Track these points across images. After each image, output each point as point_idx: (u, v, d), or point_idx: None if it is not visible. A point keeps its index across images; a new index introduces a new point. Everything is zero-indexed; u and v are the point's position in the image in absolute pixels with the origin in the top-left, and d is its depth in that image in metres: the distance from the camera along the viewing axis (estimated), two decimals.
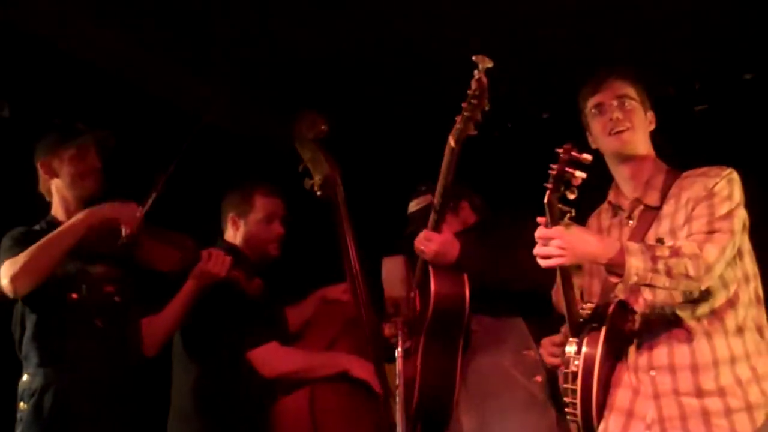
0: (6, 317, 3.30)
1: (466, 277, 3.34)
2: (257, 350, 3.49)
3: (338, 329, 3.67)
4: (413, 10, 4.09)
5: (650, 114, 2.88)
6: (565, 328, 2.80)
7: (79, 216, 3.21)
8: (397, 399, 2.84)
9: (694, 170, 2.78)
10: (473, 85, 2.91)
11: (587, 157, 2.52)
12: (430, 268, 3.34)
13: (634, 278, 2.53)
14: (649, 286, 2.58)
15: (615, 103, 2.81)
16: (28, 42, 3.99)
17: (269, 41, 4.33)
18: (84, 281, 3.24)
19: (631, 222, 2.81)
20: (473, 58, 2.88)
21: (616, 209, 2.89)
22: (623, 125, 2.78)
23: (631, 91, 2.84)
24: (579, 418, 2.71)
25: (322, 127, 3.52)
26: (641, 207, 2.79)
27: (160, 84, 4.55)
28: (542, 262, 2.56)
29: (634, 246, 2.56)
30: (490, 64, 2.87)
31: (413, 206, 3.71)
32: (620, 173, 2.86)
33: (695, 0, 3.97)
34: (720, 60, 4.43)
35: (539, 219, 2.56)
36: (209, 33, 4.26)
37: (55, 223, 3.31)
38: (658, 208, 2.76)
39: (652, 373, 2.66)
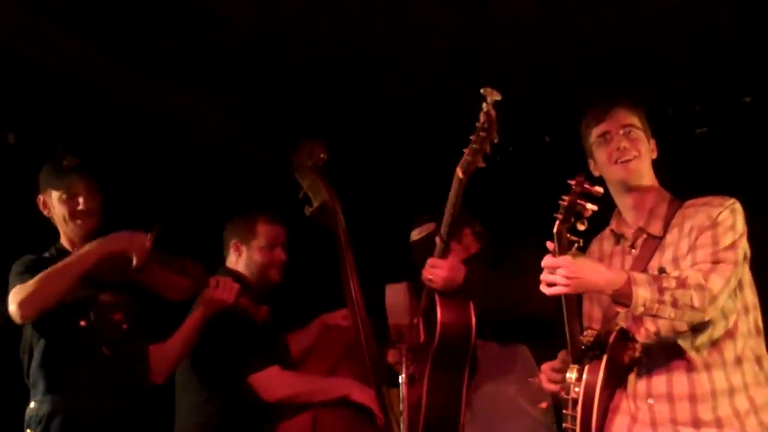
0: (14, 343, 3.31)
1: (472, 305, 3.34)
2: (259, 374, 3.50)
3: (339, 355, 3.69)
4: (412, 35, 4.11)
5: (652, 142, 2.88)
6: (562, 354, 2.81)
7: (90, 246, 3.21)
8: (401, 425, 2.85)
9: (697, 199, 2.79)
10: (482, 117, 2.90)
11: (599, 189, 2.53)
12: (436, 297, 3.33)
13: (641, 309, 2.53)
14: (655, 316, 2.58)
15: (621, 132, 2.81)
16: (31, 69, 4.02)
17: (275, 65, 4.35)
18: (92, 308, 3.25)
19: (633, 251, 2.81)
20: (481, 90, 2.86)
21: (618, 237, 2.89)
22: (630, 154, 2.78)
23: (636, 121, 2.84)
24: None
25: (321, 155, 3.55)
26: (644, 236, 2.79)
27: (163, 108, 4.56)
28: (546, 290, 2.55)
29: (641, 277, 2.56)
30: (498, 97, 2.86)
31: (415, 235, 3.71)
32: (624, 202, 2.86)
33: (695, 23, 3.97)
34: (720, 82, 4.44)
35: (548, 244, 2.56)
36: (212, 57, 4.28)
37: (63, 250, 3.33)
38: (661, 238, 2.76)
39: (650, 401, 2.67)
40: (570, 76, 4.41)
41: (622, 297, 2.54)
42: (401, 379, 2.89)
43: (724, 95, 4.50)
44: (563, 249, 2.52)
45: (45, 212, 3.39)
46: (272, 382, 3.51)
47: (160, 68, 4.31)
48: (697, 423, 2.60)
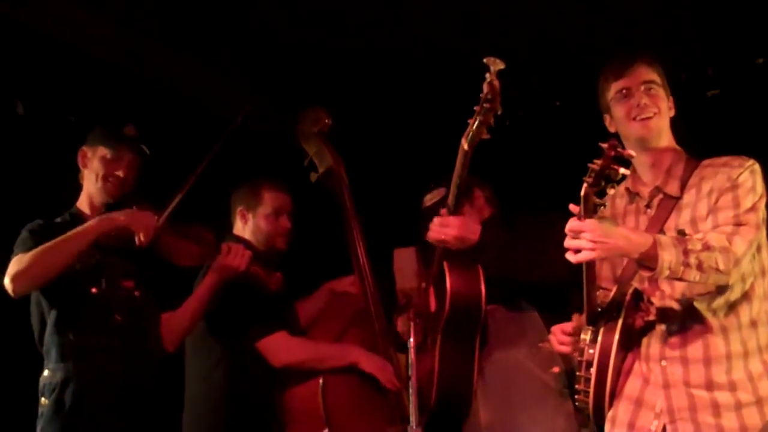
0: (25, 312, 3.31)
1: (481, 273, 3.32)
2: (266, 339, 3.52)
3: (346, 321, 3.69)
4: (422, 4, 4.09)
5: (671, 100, 2.83)
6: (576, 317, 2.79)
7: (91, 223, 3.21)
8: (410, 389, 2.85)
9: (714, 159, 2.74)
10: (485, 88, 2.84)
11: (631, 153, 2.48)
12: (446, 266, 3.32)
13: (667, 272, 2.49)
14: (681, 279, 2.53)
15: (642, 88, 2.76)
16: (43, 42, 4.01)
17: (282, 37, 4.34)
18: (103, 275, 3.25)
19: (649, 210, 2.77)
20: (484, 60, 2.79)
21: (633, 196, 2.84)
22: (650, 111, 2.73)
23: (656, 78, 2.79)
24: (590, 406, 2.70)
25: (326, 121, 3.54)
26: (660, 195, 2.75)
27: (173, 80, 4.56)
28: (571, 257, 2.48)
29: (666, 239, 2.51)
30: (501, 66, 2.78)
31: (428, 200, 3.68)
32: (641, 160, 2.80)
33: None
34: (732, 45, 4.40)
35: (572, 207, 2.48)
36: (222, 30, 4.27)
37: (78, 215, 3.34)
38: (678, 198, 2.72)
39: (663, 363, 2.65)
40: (580, 41, 4.37)
41: (647, 260, 2.49)
42: (410, 344, 2.89)
43: (736, 58, 4.46)
44: (589, 213, 2.45)
45: (81, 164, 3.38)
46: (280, 347, 3.53)
47: (166, 37, 4.32)
48: (710, 385, 2.59)
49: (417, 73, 4.63)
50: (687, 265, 2.48)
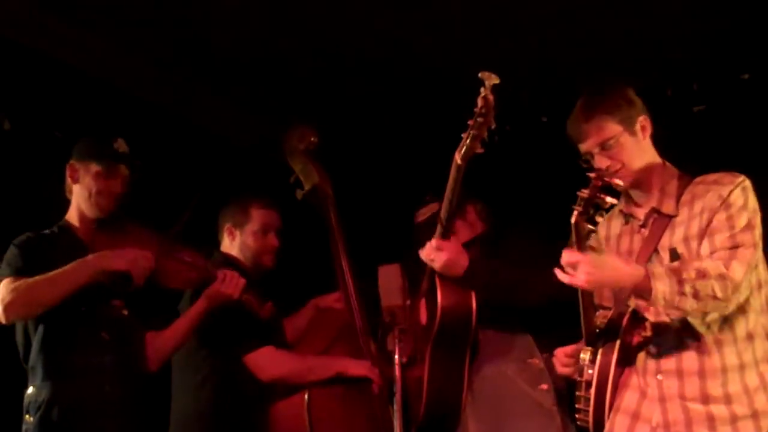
0: (10, 328, 3.28)
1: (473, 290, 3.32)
2: (253, 354, 3.52)
3: (332, 337, 3.69)
4: (414, 16, 4.10)
5: (641, 120, 2.79)
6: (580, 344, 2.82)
7: (88, 260, 3.17)
8: (395, 406, 2.85)
9: (706, 176, 2.74)
10: (479, 102, 2.85)
11: (619, 182, 2.52)
12: (437, 280, 3.31)
13: (662, 302, 2.53)
14: (678, 308, 2.56)
15: (598, 150, 2.74)
16: (27, 56, 4.01)
17: (271, 49, 4.35)
18: (93, 294, 3.21)
19: (644, 230, 2.78)
20: (479, 75, 2.81)
21: (627, 217, 2.85)
22: (613, 169, 2.68)
23: (609, 128, 2.73)
24: (590, 426, 2.73)
25: (312, 139, 3.55)
26: (655, 215, 2.75)
27: (159, 93, 4.57)
28: (564, 278, 2.53)
29: (659, 270, 2.55)
30: (496, 81, 2.80)
31: (421, 216, 3.67)
32: (633, 191, 2.82)
33: (692, 1, 3.96)
34: (718, 60, 4.42)
35: (566, 250, 2.54)
36: (209, 41, 4.27)
37: (66, 229, 3.32)
38: (673, 216, 2.72)
39: (659, 377, 2.66)
40: (568, 56, 4.38)
41: (642, 291, 2.54)
42: (395, 361, 2.88)
43: (722, 73, 4.48)
44: (581, 240, 2.51)
45: (70, 178, 3.35)
46: (266, 361, 3.53)
47: (153, 52, 4.32)
48: (705, 399, 2.59)
49: (406, 88, 4.64)
50: (682, 294, 2.50)
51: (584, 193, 2.47)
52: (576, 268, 2.50)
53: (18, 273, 3.15)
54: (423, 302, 3.48)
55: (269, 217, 3.76)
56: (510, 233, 3.60)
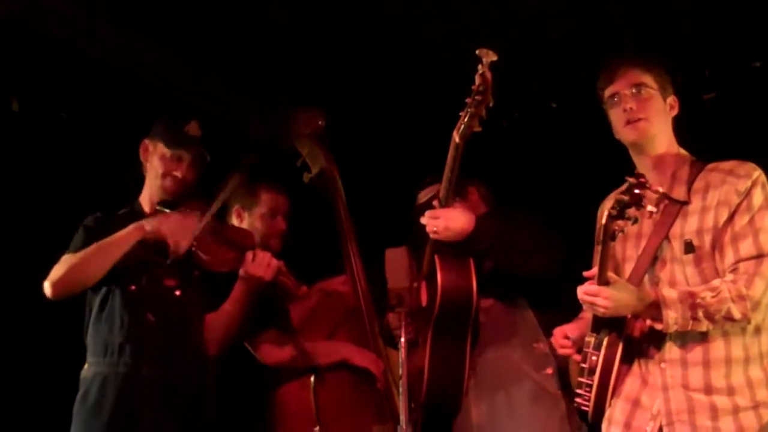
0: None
1: (473, 268, 3.29)
2: (256, 338, 3.51)
3: (338, 320, 3.67)
4: (417, 2, 4.08)
5: (671, 99, 2.82)
6: (581, 321, 2.84)
7: (129, 229, 3.15)
8: (400, 388, 2.84)
9: (719, 163, 2.73)
10: (477, 80, 2.84)
11: (658, 189, 2.53)
12: (437, 260, 3.29)
13: (675, 327, 2.57)
14: (692, 329, 2.59)
15: (630, 92, 2.75)
16: (36, 39, 4.01)
17: (274, 36, 4.34)
18: (145, 273, 3.19)
19: (654, 215, 2.74)
20: (477, 52, 2.79)
21: None
22: (638, 115, 2.72)
23: (647, 79, 2.77)
24: (590, 411, 2.75)
25: (319, 122, 3.54)
26: (666, 201, 2.74)
27: (167, 79, 4.56)
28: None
29: (671, 296, 2.57)
30: (494, 58, 2.79)
31: (422, 197, 3.67)
32: (642, 163, 2.80)
33: None
34: (728, 48, 4.39)
35: (585, 273, 2.63)
36: (214, 30, 4.27)
37: (137, 210, 3.31)
38: (684, 202, 2.71)
39: (663, 365, 2.66)
40: (577, 43, 4.36)
41: (654, 316, 2.59)
42: (400, 343, 2.87)
43: (733, 61, 4.45)
44: (606, 241, 2.55)
45: (142, 156, 3.36)
46: (270, 345, 3.52)
47: (162, 38, 4.32)
48: (708, 389, 2.60)
49: (412, 72, 4.63)
50: (695, 319, 2.54)
51: (622, 197, 2.46)
52: (596, 300, 2.58)
53: (77, 251, 3.14)
54: (423, 285, 3.46)
55: (278, 201, 3.74)
56: (515, 212, 3.58)
